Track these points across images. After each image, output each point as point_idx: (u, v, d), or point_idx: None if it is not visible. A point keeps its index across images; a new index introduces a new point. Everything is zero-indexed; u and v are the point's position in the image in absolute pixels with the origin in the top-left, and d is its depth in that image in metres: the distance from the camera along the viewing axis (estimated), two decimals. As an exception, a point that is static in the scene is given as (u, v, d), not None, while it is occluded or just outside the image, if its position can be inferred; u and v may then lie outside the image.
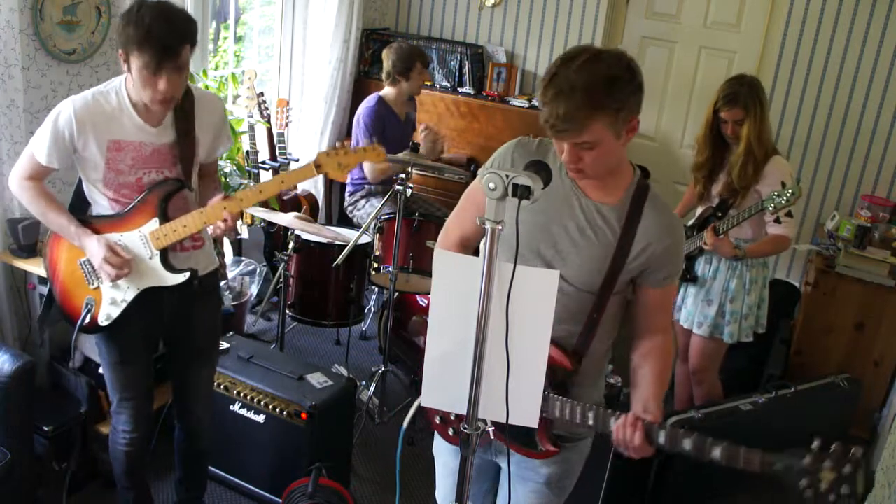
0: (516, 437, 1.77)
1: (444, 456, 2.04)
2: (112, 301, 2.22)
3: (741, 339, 3.11)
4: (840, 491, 1.38)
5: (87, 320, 2.23)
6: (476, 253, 1.90)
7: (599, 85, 1.51)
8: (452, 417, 1.90)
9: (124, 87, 2.12)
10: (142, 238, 2.19)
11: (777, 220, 2.91)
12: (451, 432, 1.92)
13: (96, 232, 2.18)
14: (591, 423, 1.66)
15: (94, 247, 2.15)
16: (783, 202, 2.75)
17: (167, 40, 1.94)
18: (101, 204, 2.22)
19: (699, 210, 3.19)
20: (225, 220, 2.16)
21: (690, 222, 3.22)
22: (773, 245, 3.01)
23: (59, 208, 2.22)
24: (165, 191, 2.18)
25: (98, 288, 2.24)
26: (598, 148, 1.58)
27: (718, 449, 1.50)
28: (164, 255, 2.21)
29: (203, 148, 2.26)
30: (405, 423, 1.72)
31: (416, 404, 1.70)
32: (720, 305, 3.09)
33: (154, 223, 2.18)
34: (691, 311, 3.18)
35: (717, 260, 3.10)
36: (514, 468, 1.88)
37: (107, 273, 2.15)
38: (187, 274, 2.22)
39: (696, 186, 3.19)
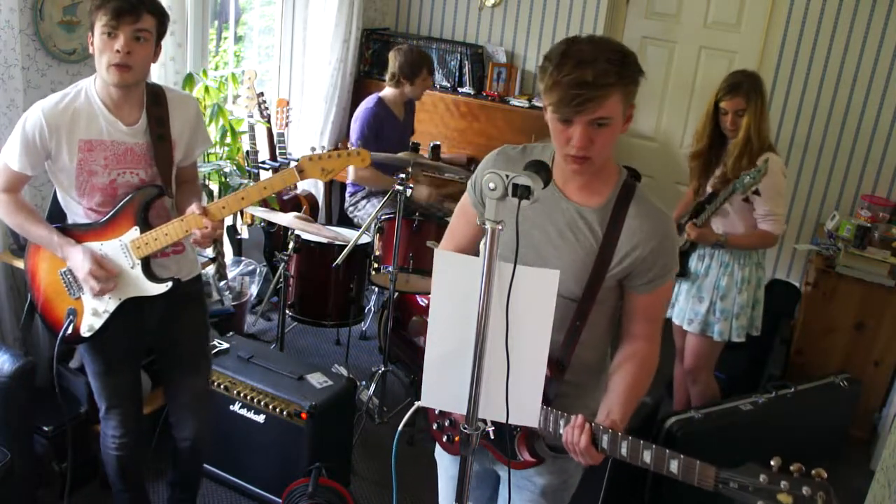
0: (499, 445, 1.77)
1: (445, 462, 2.04)
2: (94, 312, 2.17)
3: (732, 338, 3.11)
4: None
5: (70, 331, 2.18)
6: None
7: (618, 55, 1.51)
8: (447, 424, 1.89)
9: (93, 86, 2.09)
10: (122, 247, 2.14)
11: (746, 200, 2.91)
12: (445, 439, 1.92)
13: (77, 241, 2.13)
14: (561, 431, 1.62)
15: (78, 259, 2.10)
16: (749, 180, 2.78)
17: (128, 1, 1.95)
18: (77, 213, 2.17)
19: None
20: (205, 227, 2.10)
21: (685, 219, 3.23)
22: (758, 239, 3.02)
23: (38, 220, 2.17)
24: (145, 198, 2.14)
25: (80, 298, 2.18)
26: (609, 127, 1.54)
27: (676, 461, 1.44)
28: (146, 263, 2.16)
29: (180, 149, 2.22)
30: (400, 427, 1.69)
31: (413, 407, 1.68)
32: (711, 303, 3.09)
33: (134, 231, 2.13)
34: (683, 307, 3.18)
35: (710, 257, 3.11)
36: (512, 477, 1.85)
37: (91, 287, 2.10)
38: (169, 284, 2.16)
39: (691, 180, 3.20)
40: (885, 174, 4.23)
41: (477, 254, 1.88)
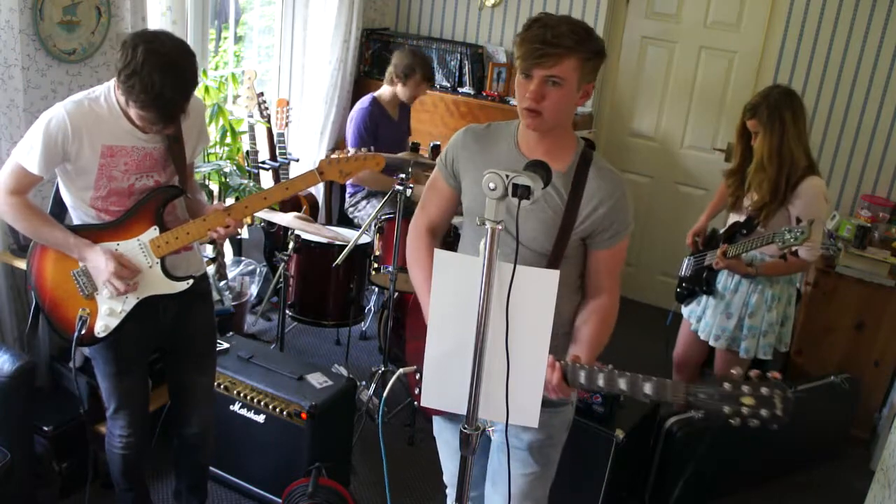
0: None
1: (445, 434, 2.10)
2: (110, 312, 2.18)
3: (759, 355, 3.04)
4: (760, 413, 1.43)
5: (83, 332, 2.18)
6: (446, 239, 2.06)
7: (581, 28, 1.73)
8: None
9: (113, 93, 2.07)
10: (141, 246, 2.15)
11: (783, 257, 2.86)
12: None
13: (93, 242, 2.13)
14: None
15: (101, 261, 2.10)
16: (792, 240, 2.70)
17: (177, 100, 1.95)
18: (88, 214, 2.16)
19: (731, 219, 3.12)
20: (227, 227, 2.15)
21: (722, 230, 3.17)
22: (793, 267, 2.96)
23: (51, 222, 2.15)
24: (163, 198, 2.16)
25: (93, 299, 2.18)
26: (562, 88, 1.74)
27: (649, 384, 1.55)
28: (163, 262, 2.18)
29: (189, 149, 2.24)
30: (385, 393, 1.79)
31: (395, 375, 1.76)
32: (739, 319, 3.03)
33: (153, 231, 2.15)
34: (710, 322, 3.11)
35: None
36: (499, 437, 1.93)
37: (116, 287, 2.11)
38: (190, 281, 2.21)
39: (727, 193, 3.13)
40: (885, 174, 4.23)
41: (448, 225, 2.10)
